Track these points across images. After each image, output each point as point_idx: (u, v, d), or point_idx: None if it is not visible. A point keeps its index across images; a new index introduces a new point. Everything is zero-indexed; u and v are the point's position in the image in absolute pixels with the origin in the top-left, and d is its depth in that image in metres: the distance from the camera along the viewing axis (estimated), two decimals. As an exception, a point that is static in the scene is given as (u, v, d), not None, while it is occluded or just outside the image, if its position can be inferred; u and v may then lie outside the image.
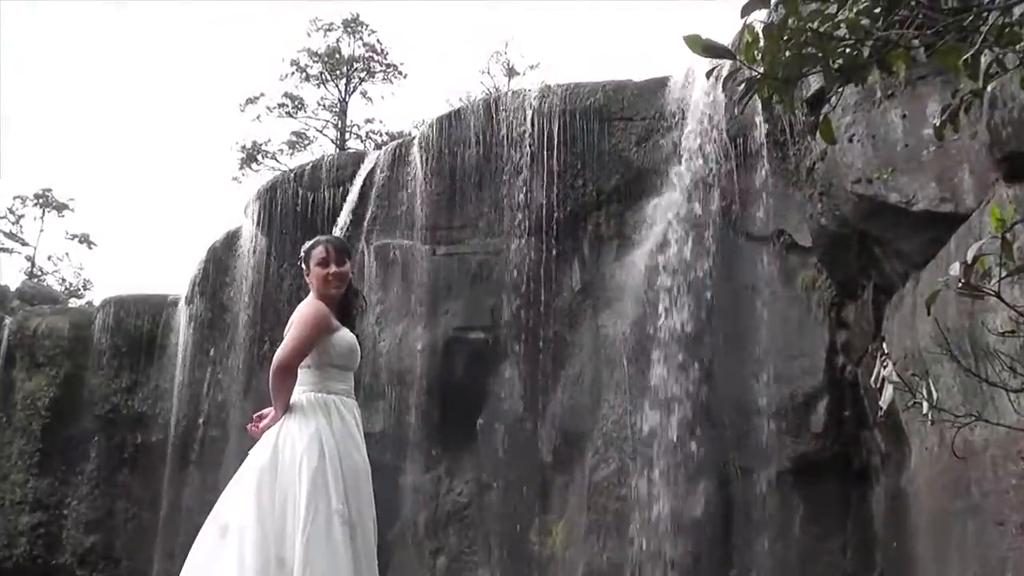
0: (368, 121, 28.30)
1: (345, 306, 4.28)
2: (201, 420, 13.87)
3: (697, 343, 9.62)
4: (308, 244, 4.33)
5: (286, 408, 3.97)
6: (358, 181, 12.75)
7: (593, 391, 10.64)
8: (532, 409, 11.10)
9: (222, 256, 14.38)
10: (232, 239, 14.37)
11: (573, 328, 11.07)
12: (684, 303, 9.76)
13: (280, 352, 3.98)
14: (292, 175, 13.59)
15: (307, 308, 4.09)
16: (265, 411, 4.11)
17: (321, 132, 28.11)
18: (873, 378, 7.27)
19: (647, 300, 10.11)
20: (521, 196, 11.23)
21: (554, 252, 11.12)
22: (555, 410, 10.96)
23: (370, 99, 28.16)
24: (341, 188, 12.94)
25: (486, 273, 11.51)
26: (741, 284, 9.73)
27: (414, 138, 12.80)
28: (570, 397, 10.89)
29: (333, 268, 4.19)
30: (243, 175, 27.98)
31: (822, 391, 9.03)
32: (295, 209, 13.04)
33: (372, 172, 12.70)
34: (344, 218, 12.50)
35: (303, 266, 4.29)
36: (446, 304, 11.63)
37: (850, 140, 7.31)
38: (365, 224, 12.39)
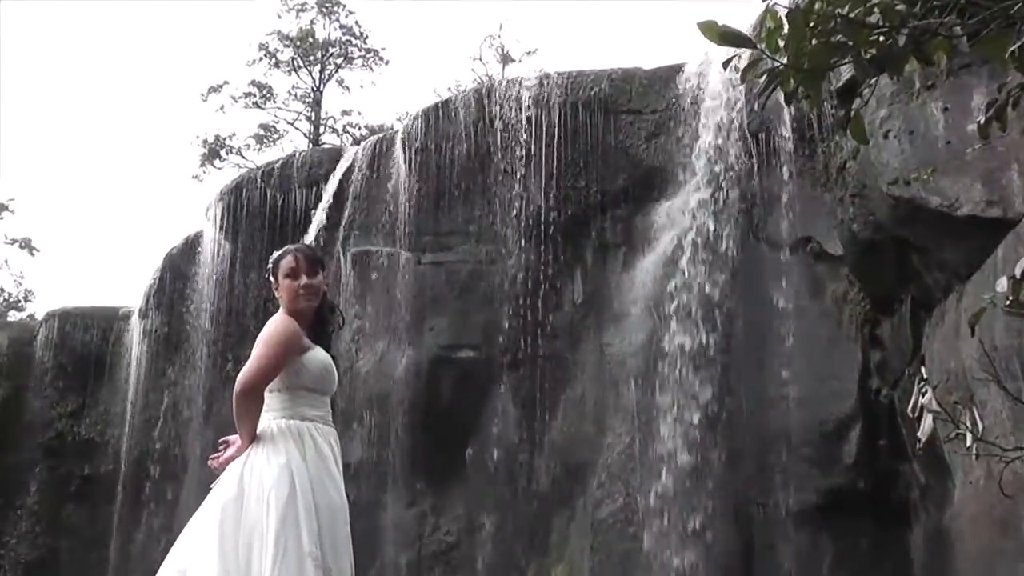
0: (345, 113, 28.32)
1: (319, 323, 4.27)
2: (156, 449, 13.82)
3: (714, 364, 9.63)
4: (276, 254, 4.32)
5: (252, 437, 3.94)
6: (334, 180, 12.75)
7: (596, 417, 10.65)
8: (528, 437, 11.09)
9: (180, 264, 14.35)
10: (192, 245, 14.34)
11: (574, 346, 11.07)
12: (699, 318, 9.78)
13: (244, 373, 3.96)
14: (259, 173, 13.58)
15: (275, 324, 4.07)
16: (230, 439, 4.09)
17: (292, 125, 28.09)
18: (911, 406, 7.28)
19: (657, 315, 10.14)
20: (517, 198, 11.25)
21: (553, 261, 11.14)
22: (554, 438, 10.96)
23: (347, 88, 28.16)
24: (315, 188, 12.93)
25: (477, 284, 11.52)
26: (763, 297, 9.75)
27: (397, 132, 12.83)
28: (571, 424, 10.88)
29: (304, 280, 4.17)
30: (204, 173, 27.92)
31: (854, 418, 9.03)
32: (263, 211, 13.04)
33: (349, 170, 12.71)
34: (318, 222, 12.50)
35: (271, 279, 4.28)
36: (432, 319, 11.62)
37: (885, 136, 7.33)
38: (341, 229, 12.40)
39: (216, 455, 4.08)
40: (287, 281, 4.18)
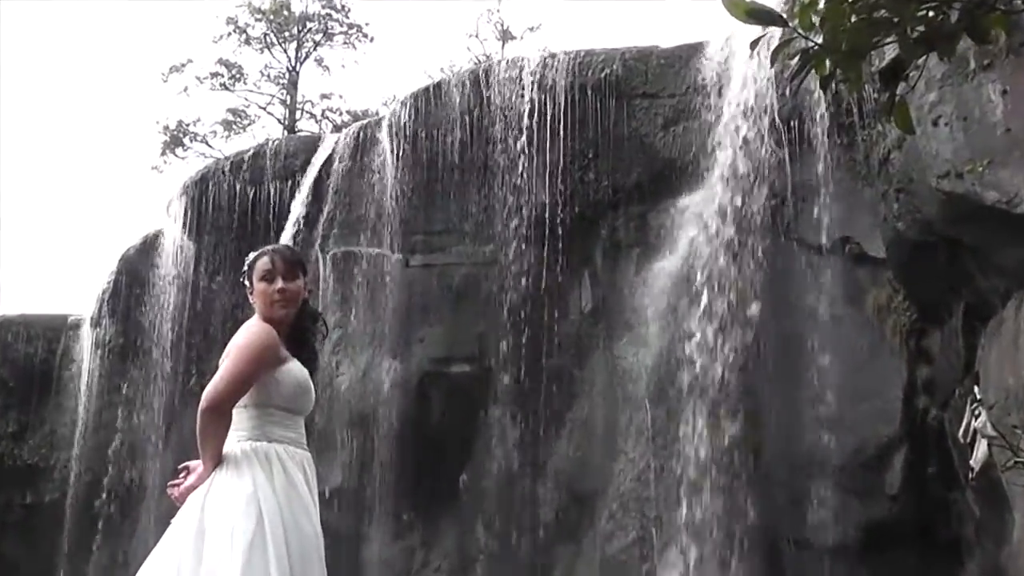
0: (325, 96, 28.37)
1: (299, 333, 4.27)
2: (109, 475, 13.81)
3: (739, 380, 9.62)
4: (252, 255, 4.33)
5: (217, 460, 3.93)
6: (311, 172, 12.78)
7: (607, 440, 10.64)
8: (529, 462, 11.08)
9: (138, 266, 14.36)
10: (151, 245, 14.36)
11: (582, 360, 11.08)
12: (723, 329, 9.76)
13: (211, 388, 3.93)
14: (228, 164, 13.62)
15: (248, 332, 4.08)
16: (191, 464, 4.08)
17: (265, 110, 28.16)
18: (963, 429, 7.25)
19: (676, 325, 10.14)
20: (517, 193, 11.26)
21: (559, 264, 11.13)
22: (558, 464, 10.96)
23: (327, 68, 28.23)
24: (290, 181, 12.95)
25: (473, 290, 11.54)
26: (795, 305, 9.74)
27: (383, 119, 12.84)
28: (577, 448, 10.88)
29: (280, 284, 4.17)
30: (166, 163, 27.97)
31: (899, 442, 9.02)
32: (231, 207, 13.07)
33: (329, 161, 12.73)
34: (294, 219, 12.53)
35: (246, 282, 4.29)
36: (422, 329, 11.63)
37: (935, 124, 7.30)
38: (320, 227, 12.43)
39: (176, 482, 4.06)
40: (262, 285, 4.18)
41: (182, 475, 4.08)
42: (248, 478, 3.85)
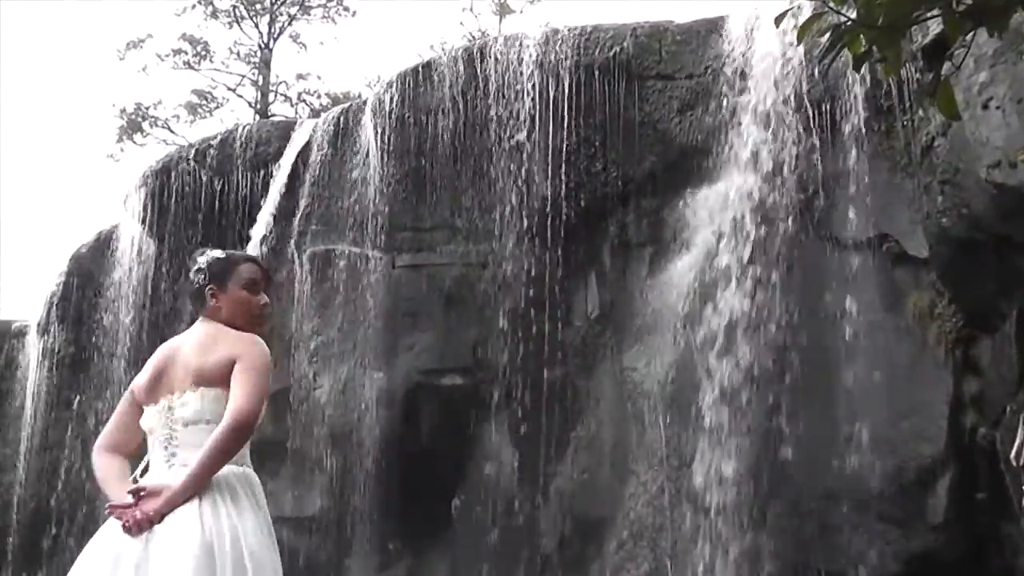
0: (301, 77, 28.38)
1: None
2: (59, 499, 13.77)
3: (765, 394, 9.59)
4: (225, 254, 4.46)
5: (202, 485, 4.04)
6: (286, 161, 12.78)
7: (616, 461, 10.64)
8: (530, 485, 11.09)
9: (91, 267, 14.35)
10: (105, 243, 14.37)
11: (588, 371, 11.08)
12: (746, 337, 9.74)
13: (244, 404, 4.09)
14: (192, 152, 13.62)
15: (262, 347, 4.27)
16: (148, 486, 4.07)
17: (234, 91, 28.17)
18: (1015, 449, 7.22)
19: (692, 332, 10.11)
20: (517, 185, 11.24)
21: (562, 264, 11.13)
22: (562, 487, 10.96)
23: (304, 46, 28.27)
24: (262, 171, 12.95)
25: (466, 293, 11.54)
26: (827, 310, 9.69)
27: (366, 102, 12.81)
28: (583, 469, 10.88)
29: (265, 298, 4.45)
30: (122, 151, 27.97)
31: (944, 464, 8.97)
32: (196, 201, 13.08)
33: (306, 149, 12.73)
34: (266, 214, 12.53)
35: (212, 282, 4.37)
36: (410, 336, 11.63)
37: (985, 107, 7.27)
38: (296, 223, 12.44)
39: (126, 506, 4.05)
40: (243, 294, 4.36)
41: (134, 498, 4.07)
42: (247, 506, 4.07)
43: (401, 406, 11.55)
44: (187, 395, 4.22)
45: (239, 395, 4.10)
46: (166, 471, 4.15)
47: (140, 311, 13.52)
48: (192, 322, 4.52)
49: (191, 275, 4.45)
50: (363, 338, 11.79)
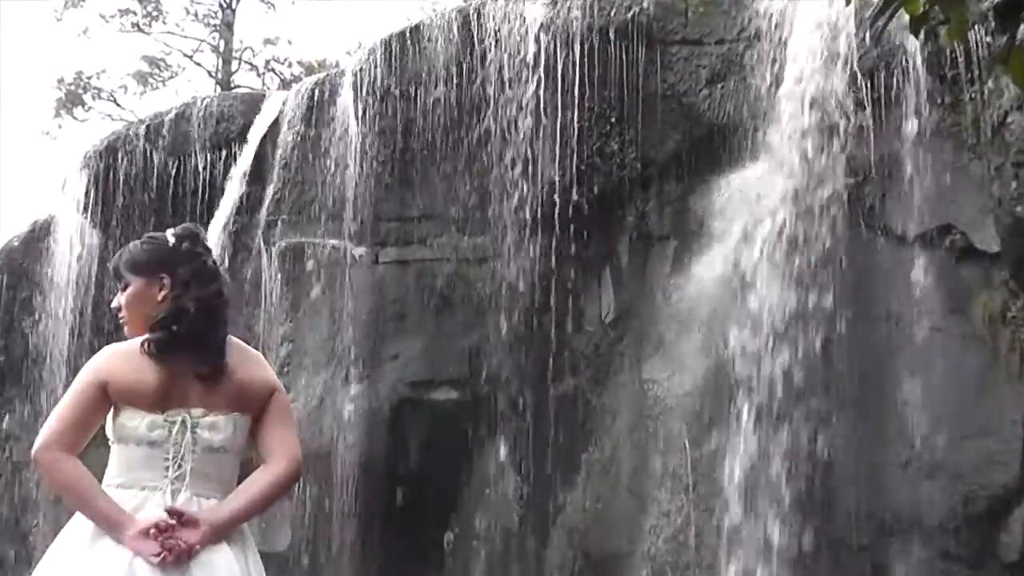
0: (270, 42, 28.31)
1: None
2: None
3: (806, 411, 9.58)
4: (201, 234, 4.62)
5: (238, 527, 4.31)
6: (253, 141, 12.77)
7: (634, 487, 10.63)
8: (536, 516, 11.10)
9: (24, 262, 14.34)
10: (41, 234, 14.35)
11: (602, 384, 11.08)
12: (784, 344, 9.70)
13: (299, 446, 4.49)
14: (143, 129, 13.57)
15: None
16: (188, 514, 4.11)
17: (191, 58, 28.13)
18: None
19: (723, 339, 10.10)
20: (519, 169, 11.22)
21: (572, 260, 11.15)
22: (572, 519, 10.95)
23: (272, 5, 28.19)
24: (224, 152, 12.96)
25: (462, 293, 11.53)
26: (879, 314, 9.71)
27: (345, 72, 12.77)
28: (596, 498, 10.87)
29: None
30: (60, 128, 27.91)
31: (1019, 493, 8.93)
32: (147, 185, 13.07)
33: (276, 127, 12.72)
34: (230, 202, 12.54)
35: (166, 275, 4.39)
36: (396, 343, 11.63)
37: (1066, 78, 7.25)
38: (264, 212, 12.42)
39: (162, 531, 4.05)
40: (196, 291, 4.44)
41: (172, 523, 4.11)
42: (257, 553, 4.36)
43: (385, 424, 11.54)
44: (220, 418, 4.28)
45: (290, 436, 4.46)
46: (167, 498, 4.18)
47: (81, 313, 13.48)
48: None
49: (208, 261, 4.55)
50: (341, 346, 11.77)
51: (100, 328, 13.14)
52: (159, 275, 4.38)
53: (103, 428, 4.34)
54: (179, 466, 4.23)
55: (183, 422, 4.24)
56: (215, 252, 12.25)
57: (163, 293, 4.36)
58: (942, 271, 9.58)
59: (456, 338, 11.52)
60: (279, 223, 12.33)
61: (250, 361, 4.50)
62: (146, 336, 4.30)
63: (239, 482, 4.36)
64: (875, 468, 9.43)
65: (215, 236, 12.25)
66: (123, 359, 4.31)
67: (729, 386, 9.92)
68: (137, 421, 4.23)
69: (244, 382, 4.37)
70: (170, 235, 4.51)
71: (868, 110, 9.88)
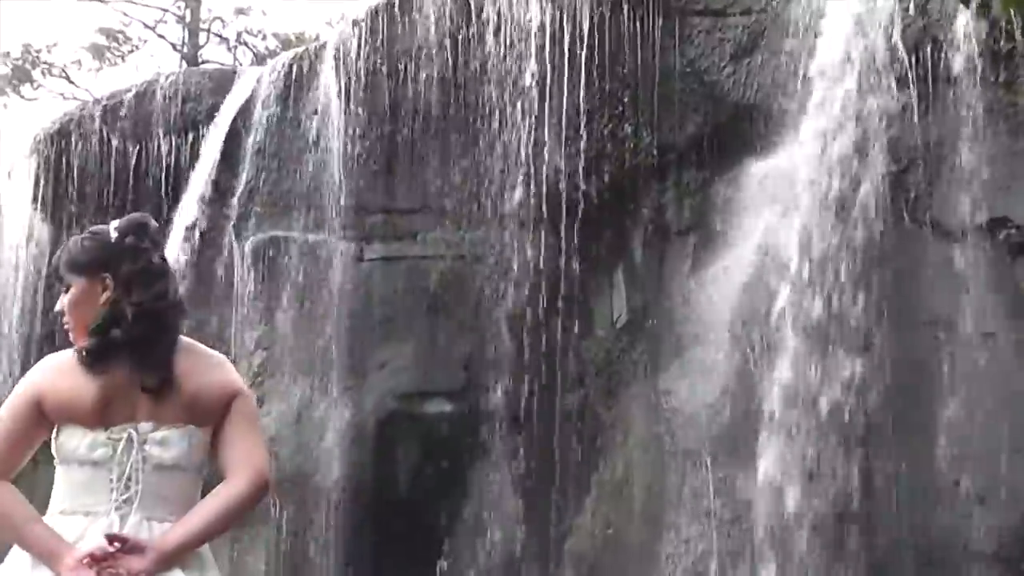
0: (241, 12, 28.30)
1: None
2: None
3: (842, 427, 9.52)
4: (150, 225, 4.42)
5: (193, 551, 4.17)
6: (223, 123, 12.78)
7: (648, 510, 10.61)
8: (539, 543, 11.12)
9: (-33, 258, 14.28)
10: (-16, 226, 14.29)
11: (614, 395, 11.09)
12: (818, 353, 9.64)
13: (266, 458, 4.33)
14: (99, 110, 13.60)
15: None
16: (132, 540, 4.02)
17: (153, 30, 28.06)
18: None
19: (749, 346, 10.08)
20: (521, 156, 11.22)
21: (580, 257, 11.15)
22: (579, 545, 10.97)
23: (245, -28, 28.18)
24: (191, 135, 12.98)
25: (456, 294, 11.55)
26: (924, 318, 9.67)
27: (326, 46, 12.79)
28: (607, 522, 10.87)
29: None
30: (6, 107, 27.91)
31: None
32: (104, 173, 13.11)
33: (249, 107, 12.73)
34: (197, 191, 12.55)
35: (105, 275, 4.26)
36: (383, 350, 11.65)
37: None
38: (236, 202, 12.43)
39: (101, 560, 3.97)
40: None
41: (111, 550, 4.02)
42: None
43: (372, 441, 11.56)
44: (171, 432, 4.18)
45: (255, 447, 4.30)
46: (113, 522, 4.07)
47: (30, 315, 13.47)
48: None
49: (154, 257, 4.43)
50: (322, 352, 11.78)
51: (50, 337, 13.08)
52: (101, 274, 4.28)
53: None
54: (126, 487, 4.14)
55: (129, 439, 4.14)
56: (180, 247, 12.30)
57: (105, 295, 4.27)
58: (996, 270, 9.52)
59: (451, 344, 11.54)
60: (252, 215, 12.35)
61: (207, 365, 4.36)
62: (80, 345, 4.23)
63: None
64: (920, 492, 9.37)
65: (181, 229, 12.30)
66: (59, 372, 4.21)
67: (756, 398, 9.88)
68: (77, 440, 4.15)
69: (199, 390, 4.25)
70: (112, 228, 4.38)
71: (912, 88, 9.81)
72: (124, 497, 4.11)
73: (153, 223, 4.46)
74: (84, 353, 4.14)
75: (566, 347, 11.12)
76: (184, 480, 4.20)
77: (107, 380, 4.13)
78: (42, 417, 4.16)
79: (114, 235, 4.32)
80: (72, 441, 4.14)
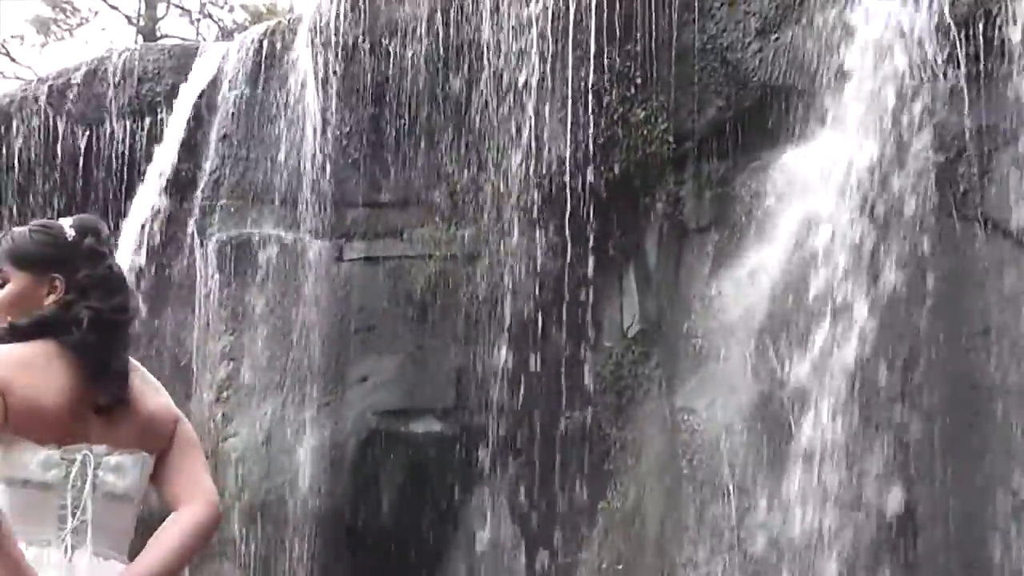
0: (206, -18, 28.40)
1: None
2: None
3: (884, 449, 9.50)
4: (104, 229, 4.41)
5: None
6: (184, 105, 12.79)
7: (665, 543, 10.60)
8: (539, 579, 11.04)
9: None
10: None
11: (624, 414, 11.09)
12: (857, 364, 9.55)
13: (213, 486, 4.34)
14: (45, 90, 13.61)
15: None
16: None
17: (106, 1, 28.13)
18: None
19: (777, 357, 10.04)
20: (521, 143, 11.20)
21: (587, 257, 11.13)
22: (586, 581, 10.87)
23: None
24: (148, 119, 13.00)
25: (447, 300, 11.53)
26: (976, 324, 9.62)
27: (301, 19, 12.77)
28: (617, 556, 10.85)
29: None
30: (-59, 88, 27.94)
31: None
32: (49, 160, 13.14)
33: (214, 88, 12.74)
34: (155, 182, 12.53)
35: (56, 276, 4.23)
36: (364, 362, 11.66)
37: None
38: (199, 195, 12.41)
39: None
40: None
41: None
42: None
43: (351, 465, 11.55)
44: (124, 458, 4.14)
45: (203, 473, 4.33)
46: (57, 556, 4.01)
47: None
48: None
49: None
50: (295, 365, 11.76)
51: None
52: (51, 275, 4.23)
53: None
54: (76, 517, 4.08)
55: (83, 461, 4.08)
56: (134, 245, 12.29)
57: (52, 297, 4.23)
58: (1059, 274, 9.54)
59: (440, 356, 11.52)
60: (217, 210, 12.30)
61: (154, 388, 4.37)
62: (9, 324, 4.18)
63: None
64: (970, 520, 9.32)
65: (136, 225, 12.27)
66: (21, 366, 4.07)
67: (784, 417, 9.84)
68: (29, 456, 4.05)
69: (152, 414, 4.25)
70: (68, 227, 4.34)
71: (963, 68, 9.76)
72: (75, 527, 4.05)
73: (105, 226, 4.46)
74: (11, 327, 4.12)
75: (571, 359, 11.14)
76: (129, 513, 4.19)
77: (67, 384, 4.07)
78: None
79: (71, 234, 4.28)
80: (23, 456, 4.03)
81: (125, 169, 12.82)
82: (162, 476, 4.25)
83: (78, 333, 4.09)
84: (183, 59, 13.53)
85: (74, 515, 4.05)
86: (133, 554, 4.16)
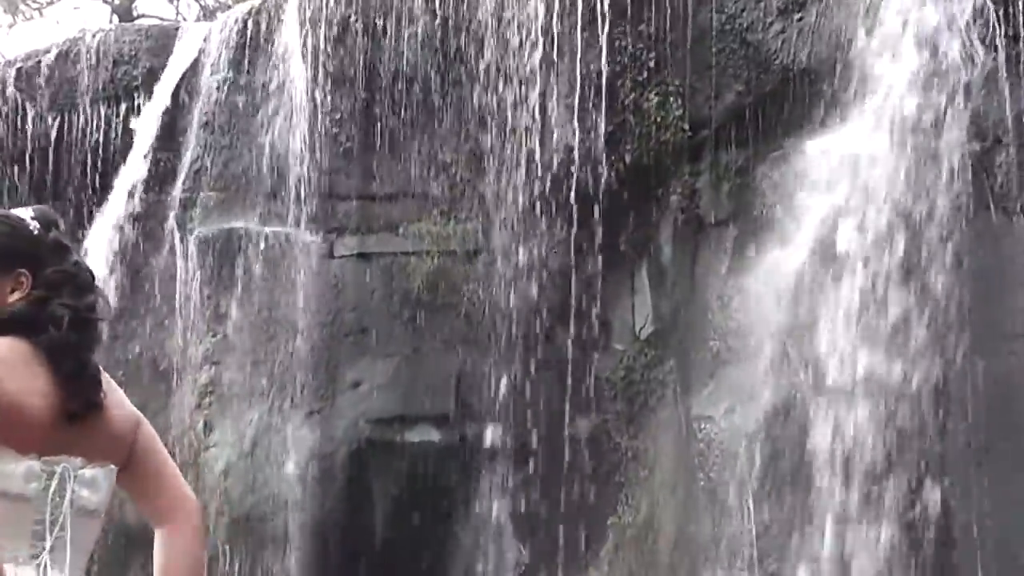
0: (186, -41, 28.42)
1: None
2: None
3: (916, 460, 9.47)
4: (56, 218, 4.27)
5: None
6: (164, 91, 12.75)
7: (680, 561, 10.61)
8: (545, 600, 11.04)
9: None
10: None
11: (636, 421, 11.09)
12: (885, 367, 9.57)
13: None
14: (13, 73, 13.59)
15: None
16: None
17: (80, -20, 28.16)
18: None
19: (801, 360, 10.04)
20: (525, 131, 11.21)
21: (596, 253, 11.15)
22: (596, 603, 10.87)
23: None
24: (125, 104, 13.00)
25: (446, 299, 11.49)
26: (1013, 327, 9.63)
27: (287, -1, 12.71)
28: (628, 573, 10.87)
29: None
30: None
31: None
32: (18, 149, 13.13)
33: (195, 72, 12.71)
34: (133, 174, 12.50)
35: (22, 271, 4.10)
36: (357, 366, 11.61)
37: None
38: (180, 187, 12.37)
39: None
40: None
41: None
42: None
43: (342, 477, 11.50)
44: (98, 471, 4.03)
45: (177, 479, 4.24)
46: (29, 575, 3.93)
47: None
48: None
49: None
50: (283, 369, 11.73)
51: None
52: (16, 269, 4.09)
53: None
54: (53, 535, 3.98)
55: (63, 474, 3.97)
56: (109, 240, 12.27)
57: (17, 294, 4.12)
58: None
59: (437, 360, 11.51)
60: (199, 202, 12.27)
61: (120, 393, 4.24)
62: None
63: None
64: (1008, 533, 9.28)
65: (112, 218, 12.23)
66: (6, 365, 3.93)
67: (808, 426, 9.82)
68: (11, 466, 3.89)
69: (117, 421, 4.12)
70: (30, 218, 4.21)
71: (1001, 52, 9.74)
72: (44, 547, 3.95)
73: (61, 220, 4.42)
74: None
75: (578, 363, 11.12)
76: (97, 529, 4.11)
77: (46, 387, 3.95)
78: None
79: (35, 227, 4.20)
80: (4, 466, 3.90)
81: (100, 158, 12.82)
82: (136, 488, 4.18)
83: (56, 333, 4.01)
84: (161, 41, 13.48)
85: (51, 531, 4.00)
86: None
